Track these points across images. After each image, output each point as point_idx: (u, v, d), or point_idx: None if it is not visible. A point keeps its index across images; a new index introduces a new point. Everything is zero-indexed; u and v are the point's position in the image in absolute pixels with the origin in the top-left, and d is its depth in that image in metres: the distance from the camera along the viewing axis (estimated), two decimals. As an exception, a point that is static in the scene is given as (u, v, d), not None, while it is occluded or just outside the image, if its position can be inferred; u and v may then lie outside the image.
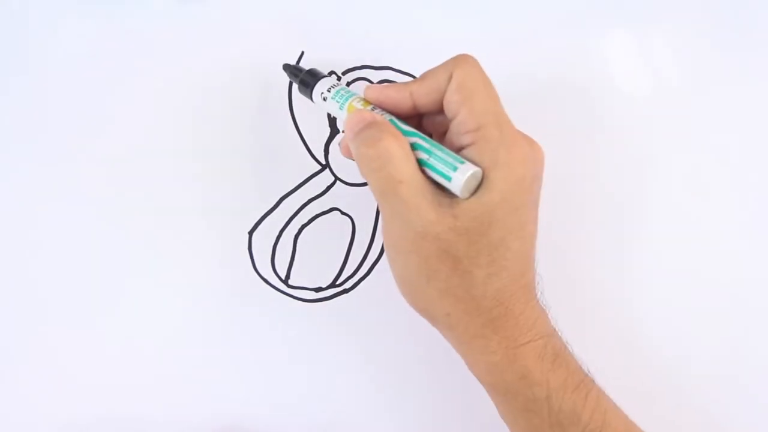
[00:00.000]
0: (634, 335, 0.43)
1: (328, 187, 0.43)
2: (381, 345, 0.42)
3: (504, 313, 0.32)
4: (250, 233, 0.42)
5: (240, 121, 0.42)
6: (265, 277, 0.42)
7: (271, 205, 0.42)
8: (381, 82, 0.43)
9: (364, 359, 0.42)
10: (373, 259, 0.42)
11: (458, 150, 0.33)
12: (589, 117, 0.44)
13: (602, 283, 0.43)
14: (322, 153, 0.43)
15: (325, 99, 0.37)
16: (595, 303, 0.43)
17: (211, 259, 0.42)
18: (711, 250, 0.44)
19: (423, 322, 0.42)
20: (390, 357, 0.42)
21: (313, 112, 0.42)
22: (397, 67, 0.43)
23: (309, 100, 0.38)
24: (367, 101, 0.35)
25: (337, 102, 0.36)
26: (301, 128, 0.42)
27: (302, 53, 0.42)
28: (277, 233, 0.42)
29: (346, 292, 0.43)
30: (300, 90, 0.39)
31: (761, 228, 0.44)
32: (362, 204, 0.42)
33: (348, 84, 0.43)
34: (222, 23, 0.42)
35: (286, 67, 0.40)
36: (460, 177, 0.31)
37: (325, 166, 0.43)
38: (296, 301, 0.42)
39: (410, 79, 0.43)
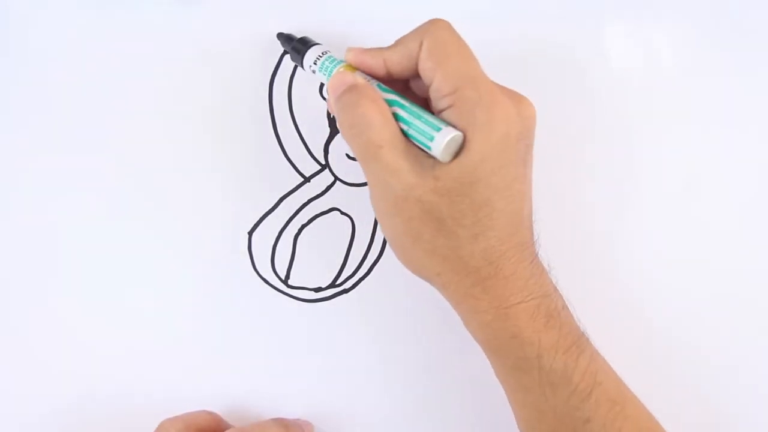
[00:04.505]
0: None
1: (328, 187, 0.43)
2: (381, 345, 0.42)
3: (494, 273, 0.32)
4: (250, 233, 0.42)
5: (239, 120, 0.42)
6: (265, 277, 0.42)
7: (271, 205, 0.42)
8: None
9: (364, 359, 0.42)
10: (373, 259, 0.42)
11: (438, 113, 0.33)
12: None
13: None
14: (322, 153, 0.43)
15: (314, 71, 0.37)
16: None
17: (210, 259, 0.42)
18: (706, 246, 0.43)
19: (422, 322, 0.42)
20: (390, 357, 0.42)
21: (313, 111, 0.42)
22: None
23: (306, 72, 0.38)
24: (351, 66, 0.36)
25: (327, 70, 0.36)
26: (300, 128, 0.42)
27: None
28: (276, 233, 0.42)
29: (346, 292, 0.43)
30: (292, 57, 0.39)
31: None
32: (362, 204, 0.42)
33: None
34: (221, 24, 0.42)
35: (280, 36, 0.40)
36: (440, 141, 0.31)
37: (325, 166, 0.43)
38: (296, 301, 0.42)
39: None
